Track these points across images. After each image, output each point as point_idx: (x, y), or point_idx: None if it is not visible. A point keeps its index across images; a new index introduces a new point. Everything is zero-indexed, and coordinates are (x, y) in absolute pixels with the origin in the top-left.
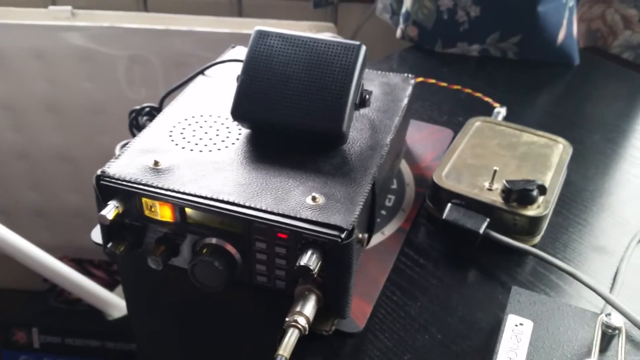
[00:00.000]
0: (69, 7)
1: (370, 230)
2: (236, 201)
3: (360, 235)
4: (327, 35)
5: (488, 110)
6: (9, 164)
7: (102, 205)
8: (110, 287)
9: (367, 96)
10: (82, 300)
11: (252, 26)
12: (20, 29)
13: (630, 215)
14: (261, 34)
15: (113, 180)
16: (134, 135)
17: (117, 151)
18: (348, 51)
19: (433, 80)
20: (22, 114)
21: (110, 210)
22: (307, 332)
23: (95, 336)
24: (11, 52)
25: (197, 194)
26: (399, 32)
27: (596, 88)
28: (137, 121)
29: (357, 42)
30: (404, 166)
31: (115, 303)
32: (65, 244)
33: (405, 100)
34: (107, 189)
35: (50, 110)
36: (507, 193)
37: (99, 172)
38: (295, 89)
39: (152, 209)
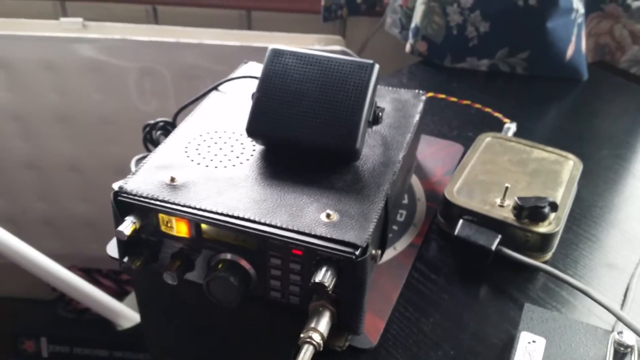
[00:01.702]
0: (80, 19)
1: (383, 246)
2: (251, 217)
3: (373, 252)
4: (336, 48)
5: (498, 125)
6: (19, 174)
7: (119, 220)
8: (119, 296)
9: (380, 113)
10: (90, 309)
11: (261, 39)
12: (31, 40)
13: (639, 231)
14: (276, 53)
15: (130, 196)
16: (147, 149)
17: (132, 166)
18: (362, 69)
19: (443, 95)
20: (32, 124)
21: (128, 226)
22: (321, 349)
23: (103, 346)
24: (23, 63)
25: (213, 210)
26: (408, 47)
27: (604, 103)
28: (151, 135)
29: (371, 61)
30: (414, 181)
31: (124, 313)
32: (74, 254)
33: (417, 117)
34: (124, 205)
35: (60, 120)
36: (518, 210)
37: (116, 187)
38: (310, 107)
39: (169, 225)
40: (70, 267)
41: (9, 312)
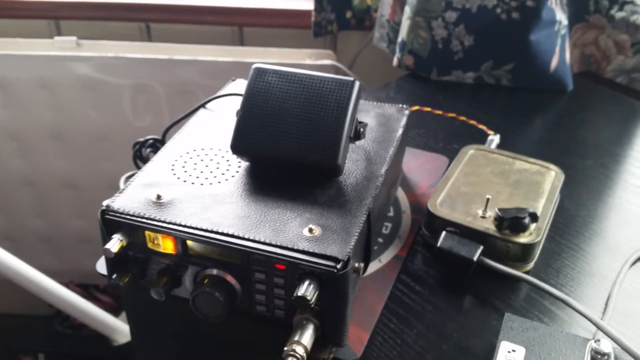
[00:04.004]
0: (74, 38)
1: (367, 259)
2: (236, 233)
3: (356, 265)
4: (327, 63)
5: (482, 137)
6: (15, 191)
7: (106, 238)
8: (116, 312)
9: (362, 129)
10: (87, 325)
11: (253, 55)
12: (26, 59)
13: (622, 240)
14: (259, 71)
15: (117, 215)
16: (137, 166)
17: (121, 184)
18: (342, 87)
19: (429, 109)
20: (28, 142)
21: (115, 244)
22: None
23: None
24: (18, 82)
25: (199, 226)
26: (395, 61)
27: (590, 113)
28: (141, 153)
29: (351, 78)
30: (400, 194)
31: (120, 329)
32: (70, 269)
33: (400, 131)
34: (111, 223)
35: (55, 138)
36: (499, 221)
37: (104, 206)
38: (292, 124)
39: (155, 242)
40: (68, 283)
41: (7, 328)
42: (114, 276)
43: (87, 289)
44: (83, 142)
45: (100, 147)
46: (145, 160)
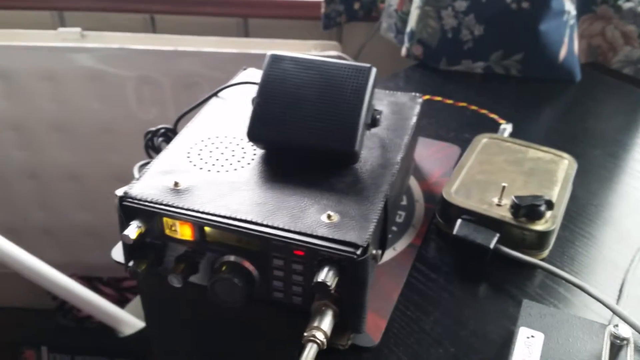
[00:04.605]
0: (78, 29)
1: (383, 246)
2: (254, 220)
3: (374, 251)
4: (332, 54)
5: (494, 127)
6: (19, 183)
7: (124, 225)
8: (120, 304)
9: (378, 116)
10: (91, 317)
11: (258, 46)
12: (30, 50)
13: (633, 228)
14: (275, 58)
15: (135, 201)
16: (149, 156)
17: (135, 172)
18: (359, 73)
19: (439, 98)
20: (32, 134)
21: (133, 230)
22: (325, 347)
23: (104, 354)
24: (22, 73)
25: (216, 213)
26: (404, 51)
27: (597, 103)
28: (153, 142)
29: (368, 65)
30: (413, 183)
31: (125, 320)
32: (74, 262)
33: (414, 119)
34: (129, 210)
35: (59, 130)
36: (515, 208)
37: (121, 193)
38: (309, 111)
39: (173, 228)
40: (71, 276)
41: (9, 321)
42: (131, 263)
43: (90, 282)
44: (87, 134)
45: (104, 139)
46: (157, 149)
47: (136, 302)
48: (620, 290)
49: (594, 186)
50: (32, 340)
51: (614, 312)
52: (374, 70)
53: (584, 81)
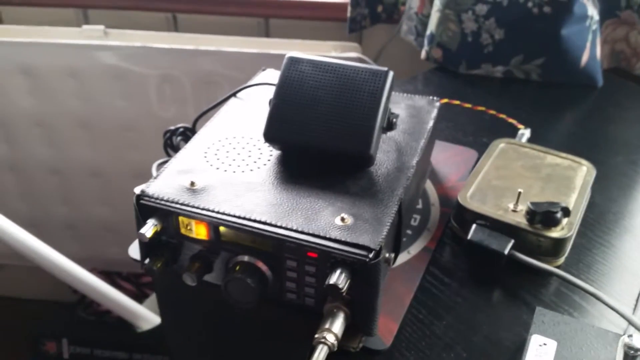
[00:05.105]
0: (101, 27)
1: (397, 249)
2: (268, 221)
3: (387, 255)
4: (352, 55)
5: (512, 132)
6: (42, 179)
7: (141, 223)
8: (138, 299)
9: (394, 119)
10: (110, 312)
11: (279, 46)
12: (54, 47)
13: None
14: (293, 60)
15: (152, 200)
16: (168, 155)
17: (153, 171)
18: (376, 77)
19: (457, 102)
20: (55, 130)
21: (149, 228)
22: (335, 349)
23: (123, 348)
24: (45, 70)
25: (231, 213)
26: (423, 54)
27: (619, 109)
28: (172, 141)
29: (385, 68)
30: (429, 186)
31: (143, 315)
32: (94, 257)
33: (431, 123)
34: (146, 208)
35: (82, 126)
36: (531, 215)
37: (138, 191)
38: (325, 113)
39: (188, 227)
40: (91, 270)
41: (31, 313)
42: (147, 261)
43: (110, 276)
44: (109, 131)
45: (125, 137)
46: (175, 148)
47: (154, 298)
48: (637, 300)
49: (614, 193)
50: (53, 332)
51: (629, 322)
52: (391, 74)
53: (605, 87)
